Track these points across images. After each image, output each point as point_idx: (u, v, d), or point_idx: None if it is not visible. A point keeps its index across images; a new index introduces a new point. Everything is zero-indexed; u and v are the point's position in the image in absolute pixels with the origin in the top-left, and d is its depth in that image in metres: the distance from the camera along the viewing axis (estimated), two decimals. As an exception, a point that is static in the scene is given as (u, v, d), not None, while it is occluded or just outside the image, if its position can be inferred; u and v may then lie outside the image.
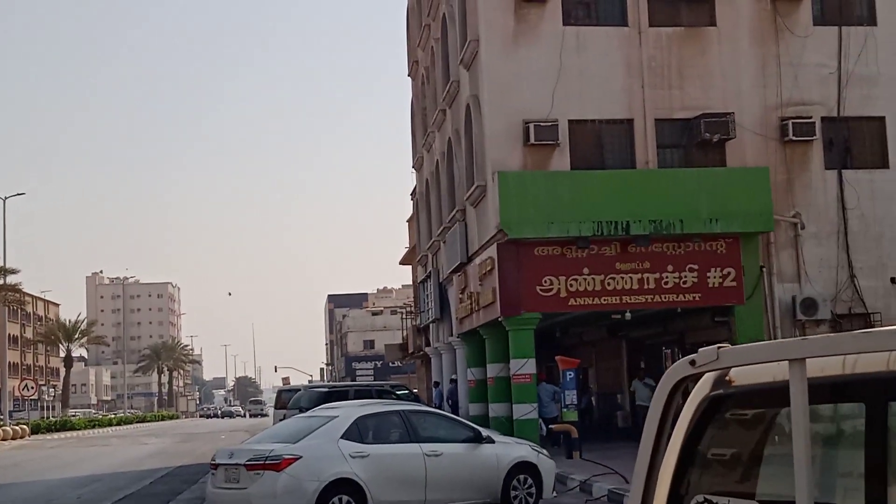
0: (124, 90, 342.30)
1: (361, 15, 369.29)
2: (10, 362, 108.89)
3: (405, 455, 14.61)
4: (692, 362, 2.67)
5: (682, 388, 2.78)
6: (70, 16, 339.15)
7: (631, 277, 23.99)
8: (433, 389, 39.46)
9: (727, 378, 2.89)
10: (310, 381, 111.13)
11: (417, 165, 39.45)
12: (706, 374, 2.85)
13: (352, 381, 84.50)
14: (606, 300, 24.10)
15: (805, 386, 2.42)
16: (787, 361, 2.45)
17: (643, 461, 2.84)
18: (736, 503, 2.93)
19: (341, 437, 14.31)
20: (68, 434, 72.22)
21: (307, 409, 21.88)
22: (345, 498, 13.87)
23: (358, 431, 14.56)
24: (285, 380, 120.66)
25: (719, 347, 2.62)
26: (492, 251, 24.67)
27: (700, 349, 2.69)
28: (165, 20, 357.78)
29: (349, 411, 15.33)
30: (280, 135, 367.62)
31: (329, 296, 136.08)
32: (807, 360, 2.44)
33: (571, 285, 23.87)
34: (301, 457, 13.88)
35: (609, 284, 23.95)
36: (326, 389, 33.81)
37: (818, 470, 2.73)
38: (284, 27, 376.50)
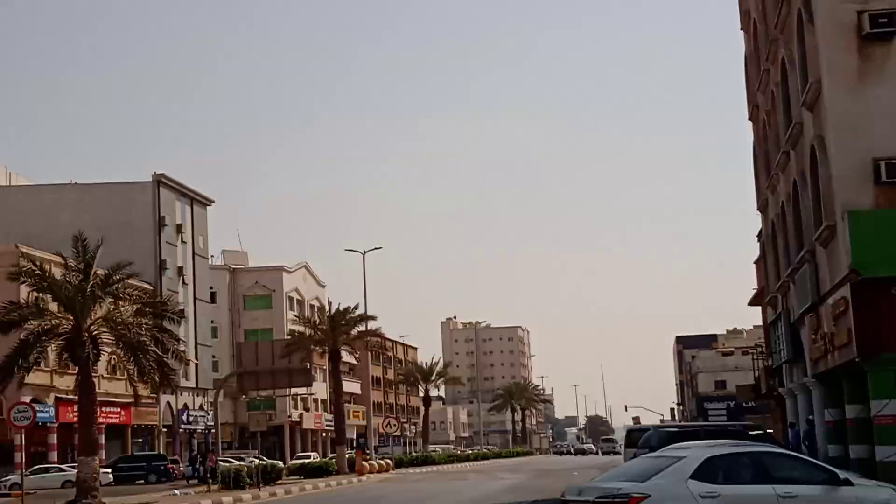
0: (470, 142, 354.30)
1: (697, 62, 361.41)
2: (374, 402, 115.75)
3: (758, 496, 14.29)
4: None
5: None
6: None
7: None
8: (789, 430, 38.60)
9: None
10: (661, 421, 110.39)
11: (762, 207, 38.99)
12: None
13: (704, 421, 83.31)
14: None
15: None
16: None
17: None
18: None
19: (690, 477, 14.22)
20: (429, 468, 75.67)
21: (656, 449, 22.03)
22: (695, 539, 13.63)
23: (707, 471, 14.38)
24: (636, 419, 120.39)
25: None
26: (845, 291, 24.18)
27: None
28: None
29: (698, 451, 15.20)
30: (613, 180, 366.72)
31: (677, 337, 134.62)
32: None
33: (935, 326, 23.03)
34: (649, 496, 13.86)
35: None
36: (676, 429, 33.84)
37: None
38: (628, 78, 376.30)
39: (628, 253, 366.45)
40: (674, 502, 14.01)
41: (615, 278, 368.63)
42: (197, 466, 47.91)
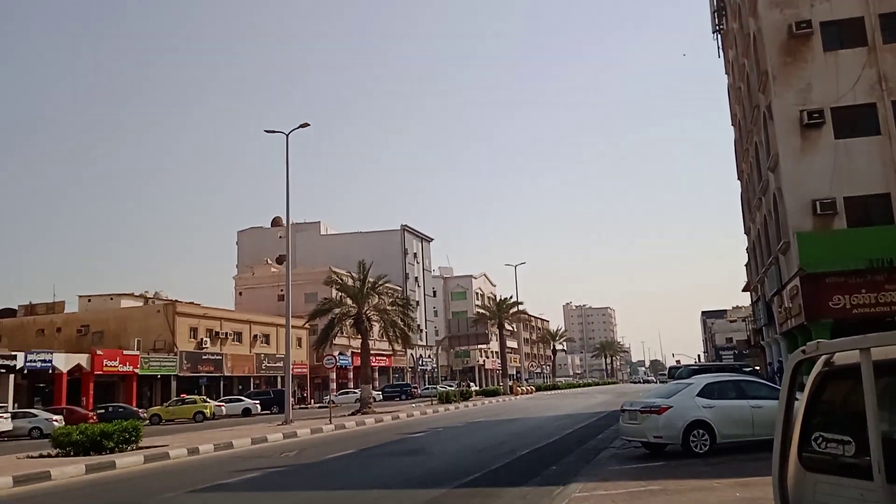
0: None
1: (701, 145, 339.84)
2: (524, 352, 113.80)
3: (738, 407, 13.39)
4: (803, 351, 2.62)
5: (801, 368, 2.68)
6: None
7: (894, 294, 20.55)
8: (768, 368, 35.78)
9: (832, 360, 2.73)
10: (695, 362, 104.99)
11: (746, 231, 36.51)
12: (820, 357, 2.71)
13: (718, 362, 78.48)
14: (879, 310, 20.76)
15: (870, 366, 2.31)
16: (858, 350, 2.34)
17: (781, 412, 2.74)
18: (837, 437, 2.74)
19: (696, 395, 13.49)
20: (556, 392, 73.97)
21: (685, 379, 20.81)
22: (700, 431, 13.05)
23: (707, 391, 13.61)
24: (677, 361, 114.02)
25: (818, 342, 2.55)
26: (797, 282, 22.25)
27: (807, 343, 2.63)
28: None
29: (702, 379, 14.36)
30: (635, 209, 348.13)
31: (703, 312, 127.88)
32: (871, 349, 2.32)
33: (853, 300, 20.90)
34: (672, 406, 13.34)
35: (881, 299, 20.68)
36: (696, 367, 31.92)
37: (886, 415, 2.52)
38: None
39: (680, 258, 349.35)
40: (686, 410, 13.29)
41: (674, 275, 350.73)
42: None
